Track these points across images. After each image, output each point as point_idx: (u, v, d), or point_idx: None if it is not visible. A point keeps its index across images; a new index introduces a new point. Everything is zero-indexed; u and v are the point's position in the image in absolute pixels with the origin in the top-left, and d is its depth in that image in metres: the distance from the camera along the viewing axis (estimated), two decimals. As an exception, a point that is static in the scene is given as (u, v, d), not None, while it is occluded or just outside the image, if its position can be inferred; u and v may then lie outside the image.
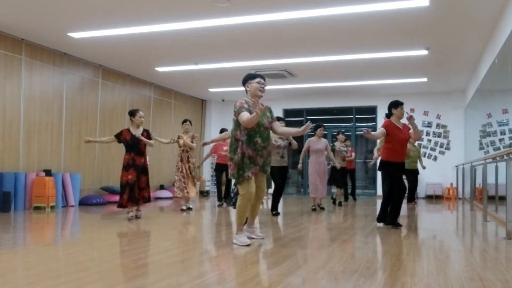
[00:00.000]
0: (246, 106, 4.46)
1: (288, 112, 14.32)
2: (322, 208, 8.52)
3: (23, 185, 8.08)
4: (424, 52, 8.60)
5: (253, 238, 4.70)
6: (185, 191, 7.98)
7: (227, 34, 7.73)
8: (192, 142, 8.05)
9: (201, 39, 8.01)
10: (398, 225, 5.87)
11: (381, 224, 6.06)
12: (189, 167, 8.05)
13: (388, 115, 6.01)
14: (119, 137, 6.73)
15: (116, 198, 9.91)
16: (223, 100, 14.85)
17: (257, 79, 4.58)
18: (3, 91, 7.92)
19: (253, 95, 4.52)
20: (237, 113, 4.42)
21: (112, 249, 4.14)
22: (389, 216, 5.92)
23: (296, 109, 14.23)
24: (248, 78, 4.63)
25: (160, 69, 10.49)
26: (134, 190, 6.56)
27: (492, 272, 3.28)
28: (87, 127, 9.85)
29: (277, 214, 7.41)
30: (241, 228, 4.49)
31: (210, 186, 14.07)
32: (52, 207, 8.21)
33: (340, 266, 3.41)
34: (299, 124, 13.97)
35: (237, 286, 2.82)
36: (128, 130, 6.71)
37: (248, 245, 4.34)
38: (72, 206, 8.97)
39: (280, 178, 7.46)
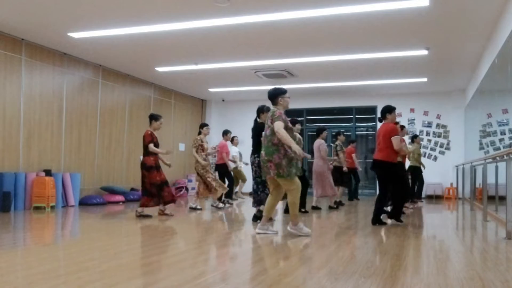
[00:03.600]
0: (283, 117, 4.91)
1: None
2: (319, 208, 8.66)
3: (23, 185, 8.08)
4: (424, 52, 8.61)
5: (267, 233, 5.09)
6: (208, 191, 8.25)
7: (227, 34, 7.73)
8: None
9: (201, 39, 8.01)
10: (401, 221, 6.33)
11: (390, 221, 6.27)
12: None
13: (381, 119, 6.32)
14: (154, 142, 6.94)
15: (116, 198, 9.93)
16: (223, 100, 14.84)
17: (288, 94, 5.09)
18: (3, 91, 7.92)
19: (285, 108, 5.08)
20: (275, 119, 4.85)
21: (112, 249, 4.14)
22: (378, 215, 6.21)
23: (296, 109, 14.22)
24: (281, 93, 5.06)
25: (160, 69, 10.49)
26: (168, 189, 7.01)
27: (492, 272, 3.28)
28: (87, 127, 9.86)
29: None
30: (298, 219, 5.02)
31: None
32: (52, 207, 8.21)
33: (340, 266, 3.41)
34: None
35: (237, 286, 2.82)
36: (153, 132, 7.01)
37: (308, 235, 4.92)
38: (72, 206, 8.97)
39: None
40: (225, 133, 9.81)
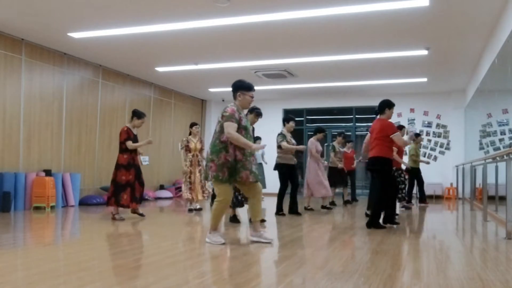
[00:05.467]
0: (236, 115, 4.36)
1: (288, 112, 14.32)
2: (330, 208, 8.59)
3: (23, 185, 8.08)
4: (424, 52, 8.61)
5: (261, 242, 4.50)
6: (192, 195, 7.94)
7: (227, 34, 7.73)
8: (201, 146, 8.04)
9: (201, 39, 8.01)
10: (396, 223, 5.93)
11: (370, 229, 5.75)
12: (199, 170, 8.00)
13: (377, 113, 5.99)
14: (130, 138, 6.66)
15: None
16: (223, 100, 14.84)
17: (251, 93, 4.55)
18: (3, 91, 7.92)
19: (243, 106, 4.53)
20: (225, 118, 4.34)
21: (112, 249, 4.14)
22: (387, 216, 5.92)
23: (296, 109, 14.23)
24: (243, 87, 4.52)
25: (160, 69, 10.49)
26: (133, 190, 6.63)
27: (492, 272, 3.28)
28: (87, 127, 9.86)
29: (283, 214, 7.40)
30: (215, 228, 4.49)
31: (209, 186, 14.06)
32: (52, 207, 8.21)
33: (340, 266, 3.41)
34: (299, 123, 13.97)
35: (237, 286, 2.82)
36: (130, 129, 6.72)
37: (223, 243, 4.37)
38: (72, 206, 8.97)
39: (293, 177, 7.47)
40: None
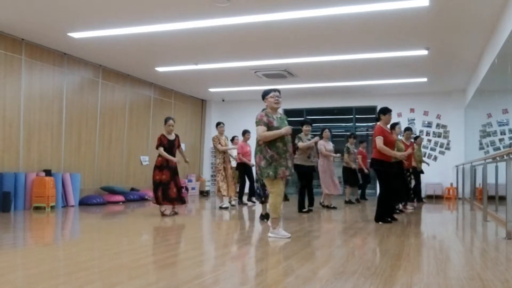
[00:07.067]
0: (264, 119, 4.87)
1: (288, 112, 14.30)
2: (334, 207, 8.80)
3: (23, 185, 8.08)
4: (424, 52, 8.61)
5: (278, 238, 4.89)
6: (229, 190, 8.49)
7: (227, 34, 7.73)
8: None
9: (201, 39, 8.01)
10: (394, 219, 6.50)
11: (380, 223, 6.30)
12: (231, 167, 8.68)
13: (377, 119, 6.52)
14: (163, 145, 7.15)
15: (116, 198, 9.94)
16: (223, 100, 14.84)
17: (271, 94, 5.08)
18: (3, 91, 7.92)
19: (272, 108, 5.05)
20: (256, 124, 4.92)
21: (112, 249, 4.14)
22: (386, 212, 6.39)
23: (296, 109, 14.22)
24: (265, 94, 5.13)
25: (160, 69, 10.49)
26: (167, 189, 7.10)
27: (492, 272, 3.28)
28: (87, 127, 9.85)
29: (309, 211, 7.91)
30: (278, 222, 4.92)
31: (209, 186, 14.08)
32: (52, 207, 8.21)
33: (340, 266, 3.41)
34: (299, 124, 13.95)
35: (237, 286, 2.82)
36: (164, 135, 7.20)
37: (289, 237, 4.78)
38: (72, 206, 8.97)
39: (309, 178, 7.96)
40: (243, 133, 9.87)
